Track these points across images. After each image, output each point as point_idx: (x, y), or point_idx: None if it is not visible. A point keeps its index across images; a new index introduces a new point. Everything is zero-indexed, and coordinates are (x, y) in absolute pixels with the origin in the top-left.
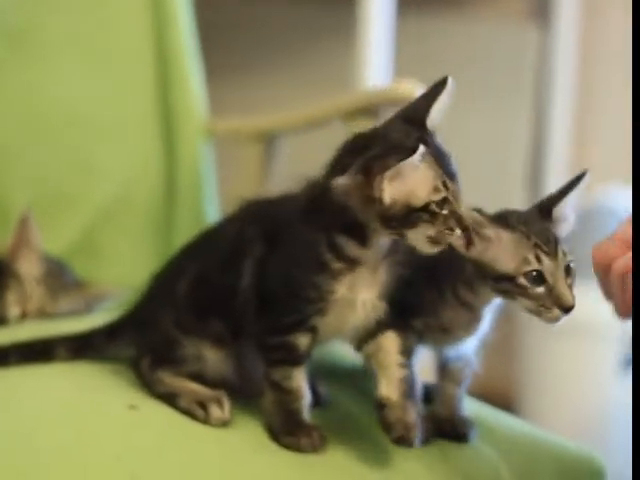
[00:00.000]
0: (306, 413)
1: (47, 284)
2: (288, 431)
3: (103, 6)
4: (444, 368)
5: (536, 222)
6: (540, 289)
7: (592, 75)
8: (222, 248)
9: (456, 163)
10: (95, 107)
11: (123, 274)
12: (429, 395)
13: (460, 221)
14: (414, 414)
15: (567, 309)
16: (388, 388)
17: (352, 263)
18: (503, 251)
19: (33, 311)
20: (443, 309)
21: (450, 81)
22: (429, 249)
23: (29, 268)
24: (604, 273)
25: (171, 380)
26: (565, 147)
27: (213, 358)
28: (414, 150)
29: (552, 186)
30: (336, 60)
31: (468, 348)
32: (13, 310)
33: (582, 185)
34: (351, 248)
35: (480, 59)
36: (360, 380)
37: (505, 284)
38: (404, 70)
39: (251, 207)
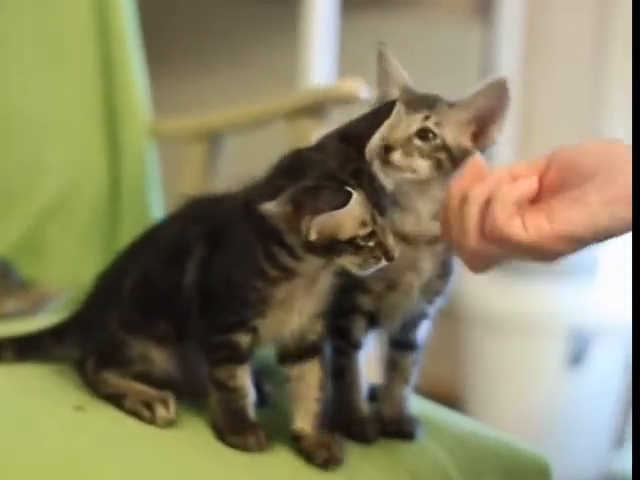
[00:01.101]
0: (251, 412)
1: None
2: (234, 430)
3: (46, 6)
4: (393, 366)
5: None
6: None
7: (535, 72)
8: (165, 247)
9: (387, 197)
10: (39, 107)
11: (68, 273)
12: (375, 395)
13: (386, 253)
14: (330, 436)
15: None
16: (303, 421)
17: (288, 272)
18: None
19: None
20: None
21: (398, 106)
22: (356, 271)
23: None
24: (459, 206)
25: (117, 381)
26: (509, 143)
27: (159, 358)
28: (347, 199)
29: None
30: (280, 58)
31: (420, 335)
32: None
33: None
34: (285, 259)
35: (424, 56)
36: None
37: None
38: (348, 69)
39: (194, 205)
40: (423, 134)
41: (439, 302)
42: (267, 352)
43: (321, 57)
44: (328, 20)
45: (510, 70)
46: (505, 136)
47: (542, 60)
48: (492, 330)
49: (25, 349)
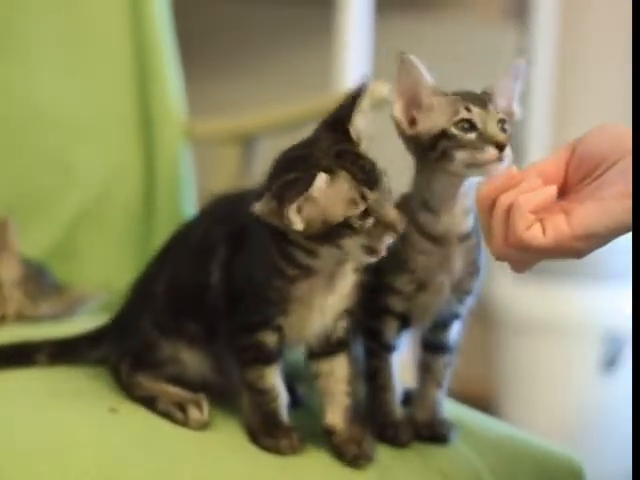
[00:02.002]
0: (284, 414)
1: (26, 288)
2: (267, 432)
3: (81, 6)
4: (425, 368)
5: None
6: (471, 135)
7: (570, 74)
8: (192, 247)
9: (380, 170)
10: (74, 108)
11: (102, 277)
12: (409, 400)
13: (389, 226)
14: (363, 433)
15: (501, 145)
16: (334, 416)
17: (306, 270)
18: (439, 113)
19: (12, 315)
20: (410, 253)
21: (370, 86)
22: (367, 259)
23: (8, 272)
24: (489, 208)
25: (150, 384)
26: (544, 147)
27: (190, 360)
28: (311, 181)
29: None
30: (315, 61)
31: (452, 336)
32: None
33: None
34: (301, 257)
35: (459, 60)
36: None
37: (441, 144)
38: (382, 72)
39: (219, 204)
40: (501, 126)
41: (470, 301)
42: (298, 354)
43: (355, 60)
44: (362, 23)
45: (545, 72)
46: (540, 138)
47: (577, 62)
48: (526, 333)
49: (60, 353)
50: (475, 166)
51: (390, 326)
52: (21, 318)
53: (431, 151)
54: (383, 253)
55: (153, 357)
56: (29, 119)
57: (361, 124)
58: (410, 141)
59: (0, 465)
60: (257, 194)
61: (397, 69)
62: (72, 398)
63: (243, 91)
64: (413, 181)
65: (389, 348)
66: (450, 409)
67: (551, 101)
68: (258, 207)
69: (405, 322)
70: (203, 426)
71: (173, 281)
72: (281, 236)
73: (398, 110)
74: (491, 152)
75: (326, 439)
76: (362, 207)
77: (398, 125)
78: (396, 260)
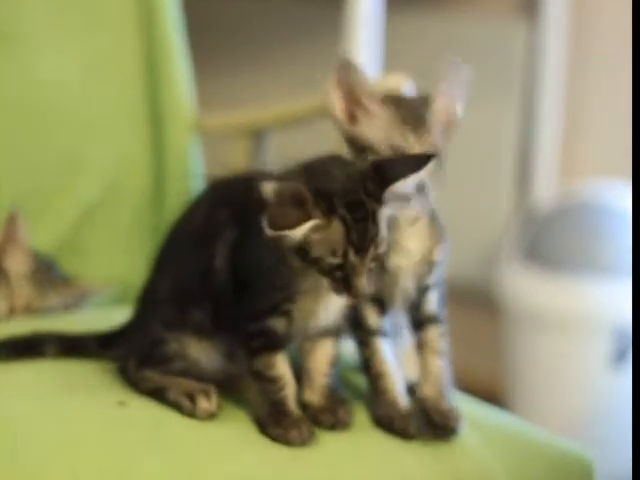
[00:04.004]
0: (293, 404)
1: (35, 281)
2: (276, 422)
3: (89, 0)
4: (421, 344)
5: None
6: None
7: (581, 70)
8: (193, 233)
9: (377, 240)
10: (83, 102)
11: (111, 270)
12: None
13: (349, 290)
14: (338, 402)
15: None
16: (312, 393)
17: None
18: (377, 125)
19: (20, 308)
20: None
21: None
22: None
23: (16, 265)
24: None
25: (158, 377)
26: (554, 143)
27: (197, 353)
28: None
29: (541, 181)
30: (324, 57)
31: (430, 305)
32: (0, 306)
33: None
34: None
35: (468, 55)
36: (351, 375)
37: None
38: (392, 67)
39: (214, 189)
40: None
41: (439, 271)
42: None
43: (366, 55)
44: (372, 18)
45: (555, 68)
46: (550, 133)
47: (588, 58)
48: (535, 327)
49: (69, 349)
50: None
51: (370, 311)
52: (29, 311)
53: (362, 154)
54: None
55: (160, 353)
56: (38, 113)
57: (398, 189)
58: (348, 139)
59: (11, 457)
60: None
61: (337, 70)
62: (81, 392)
63: (253, 85)
64: None
65: (375, 332)
66: (460, 403)
67: (561, 97)
68: (267, 187)
69: (383, 306)
70: (211, 416)
71: (175, 271)
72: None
73: (338, 108)
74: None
75: (303, 413)
76: (337, 262)
77: (338, 122)
78: None
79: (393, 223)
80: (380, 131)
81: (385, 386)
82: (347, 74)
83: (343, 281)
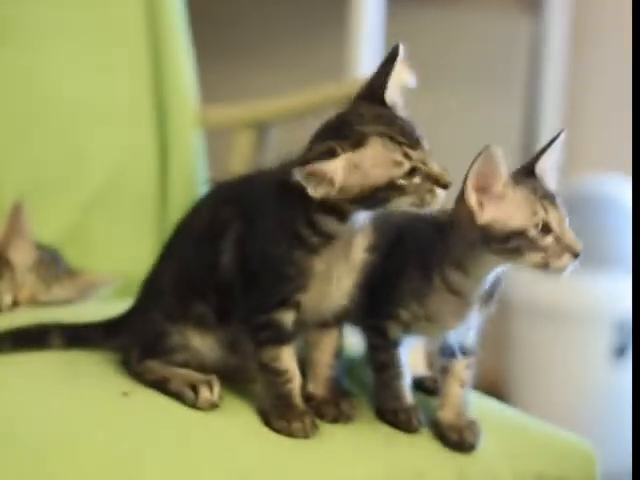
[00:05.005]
0: (298, 397)
1: (39, 272)
2: (280, 415)
3: None
4: (446, 371)
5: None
6: (549, 239)
7: (583, 64)
8: (198, 231)
9: (419, 129)
10: (87, 93)
11: (115, 261)
12: (420, 386)
13: (438, 181)
14: (341, 395)
15: (576, 254)
16: (316, 385)
17: (329, 237)
18: (514, 207)
19: (25, 299)
20: (430, 297)
21: (401, 49)
22: (420, 210)
23: (21, 257)
24: None
25: (161, 368)
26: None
27: (200, 345)
28: (332, 153)
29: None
30: (328, 49)
31: (468, 339)
32: (5, 298)
33: (559, 143)
34: (330, 224)
35: (472, 48)
36: (356, 368)
37: (514, 241)
38: None
39: (222, 188)
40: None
41: (485, 313)
42: None
43: (368, 50)
44: (376, 12)
45: (559, 64)
46: (552, 128)
47: (590, 53)
48: (537, 320)
49: (74, 339)
50: (544, 268)
51: (394, 329)
52: (34, 302)
53: (501, 244)
54: (436, 205)
55: (162, 345)
56: (44, 105)
57: (396, 88)
58: (478, 229)
59: (15, 447)
60: (297, 161)
61: (478, 159)
62: (85, 382)
63: (256, 78)
64: (451, 240)
65: (395, 344)
66: None
67: (563, 92)
68: (298, 173)
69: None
70: (213, 406)
71: (180, 265)
72: (309, 203)
73: (473, 200)
74: (565, 260)
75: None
76: (407, 166)
77: (469, 213)
78: (414, 295)
79: (467, 296)
80: (521, 212)
81: (398, 385)
82: (488, 167)
83: (426, 179)
